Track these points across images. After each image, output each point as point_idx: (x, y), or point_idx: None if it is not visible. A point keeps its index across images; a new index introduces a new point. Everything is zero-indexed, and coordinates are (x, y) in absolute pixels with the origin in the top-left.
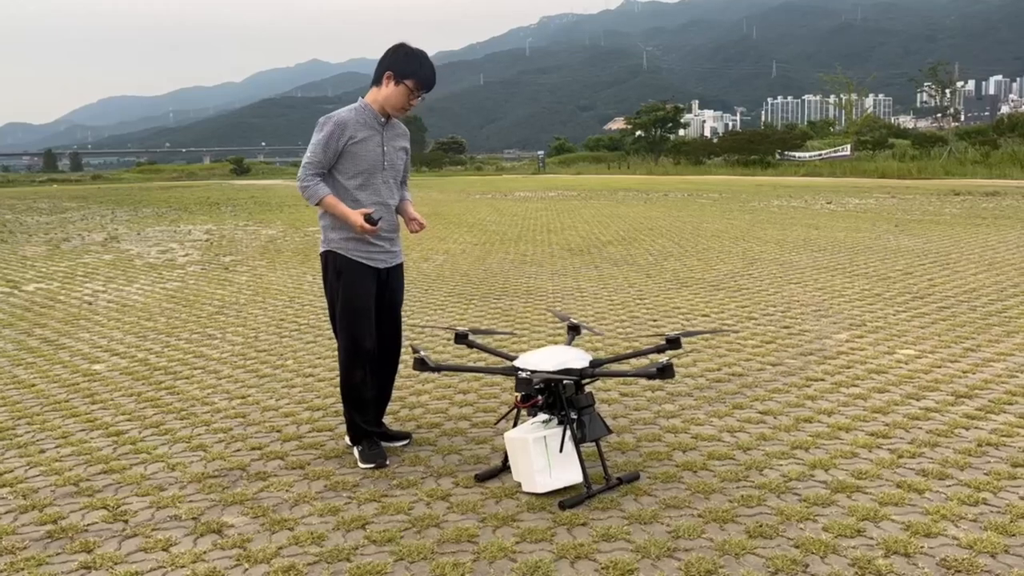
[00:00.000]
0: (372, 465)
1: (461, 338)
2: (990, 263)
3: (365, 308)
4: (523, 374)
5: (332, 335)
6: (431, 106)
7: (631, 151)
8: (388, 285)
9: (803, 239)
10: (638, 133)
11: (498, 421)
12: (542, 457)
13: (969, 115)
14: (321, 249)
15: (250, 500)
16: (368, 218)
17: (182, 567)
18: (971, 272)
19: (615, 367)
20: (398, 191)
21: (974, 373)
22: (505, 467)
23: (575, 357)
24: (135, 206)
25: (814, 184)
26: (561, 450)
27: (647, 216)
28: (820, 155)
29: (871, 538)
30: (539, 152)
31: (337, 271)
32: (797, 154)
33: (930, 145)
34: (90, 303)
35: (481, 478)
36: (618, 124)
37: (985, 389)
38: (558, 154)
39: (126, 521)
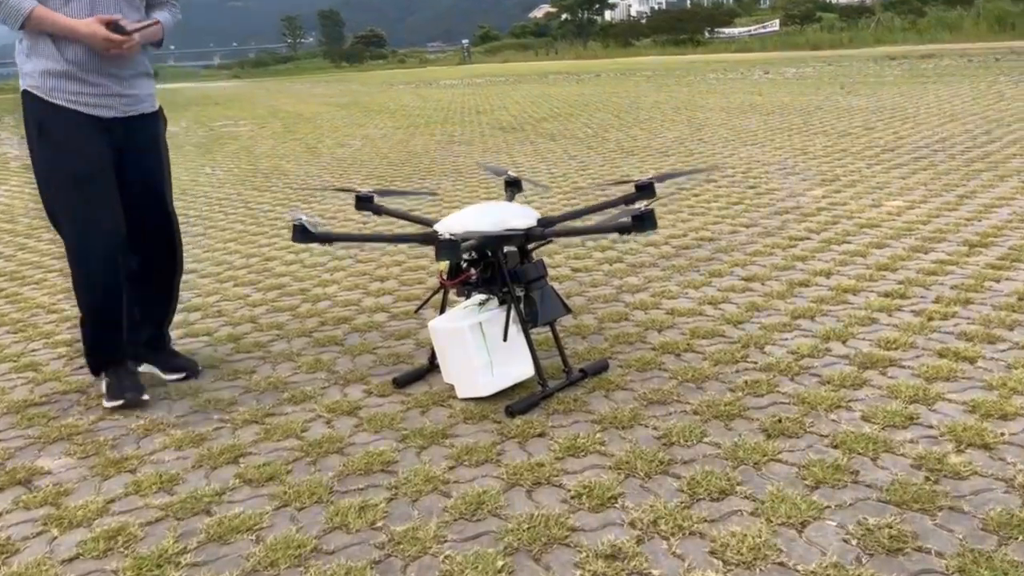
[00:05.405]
0: (120, 403)
1: (364, 202)
2: (951, 115)
3: (90, 176)
4: (445, 236)
5: (217, 227)
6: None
7: (558, 36)
8: (129, 145)
9: (748, 104)
10: (564, 16)
11: (420, 307)
12: (481, 350)
13: None
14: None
15: (83, 433)
16: (115, 25)
17: None
18: (936, 124)
19: (573, 224)
20: (136, 12)
21: (979, 220)
22: (433, 366)
23: (516, 214)
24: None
25: (748, 59)
26: (505, 339)
27: (580, 94)
28: (750, 32)
29: (930, 427)
30: (464, 41)
31: (38, 125)
32: (727, 30)
33: (857, 17)
34: None
35: (401, 383)
36: (543, 11)
37: (1000, 236)
38: (483, 43)
39: None
